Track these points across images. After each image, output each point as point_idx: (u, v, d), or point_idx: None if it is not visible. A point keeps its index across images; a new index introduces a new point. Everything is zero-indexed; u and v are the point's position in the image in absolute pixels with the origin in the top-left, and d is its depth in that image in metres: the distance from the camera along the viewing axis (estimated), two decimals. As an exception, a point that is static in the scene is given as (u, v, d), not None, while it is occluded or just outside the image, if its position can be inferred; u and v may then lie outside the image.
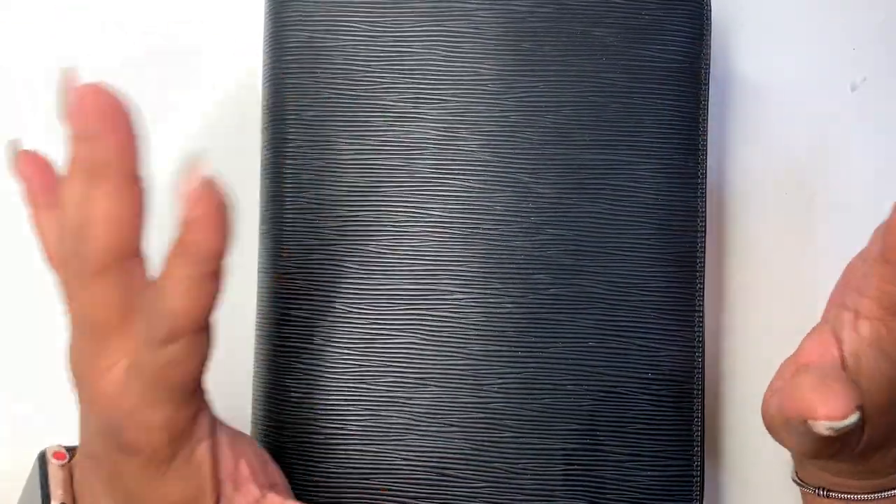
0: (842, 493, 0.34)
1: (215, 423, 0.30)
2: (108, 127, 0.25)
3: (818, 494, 0.35)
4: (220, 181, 0.26)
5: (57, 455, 0.31)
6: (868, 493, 0.34)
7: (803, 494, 0.37)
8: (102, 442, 0.28)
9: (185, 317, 0.26)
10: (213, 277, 0.26)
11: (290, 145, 0.37)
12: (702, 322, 0.36)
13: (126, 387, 0.27)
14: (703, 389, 0.36)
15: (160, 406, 0.27)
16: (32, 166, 0.29)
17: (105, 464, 0.29)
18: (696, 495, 0.36)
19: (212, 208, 0.25)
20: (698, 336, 0.36)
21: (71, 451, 0.32)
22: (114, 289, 0.26)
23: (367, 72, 0.36)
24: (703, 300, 0.37)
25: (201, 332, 0.27)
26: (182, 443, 0.28)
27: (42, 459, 0.31)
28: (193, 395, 0.28)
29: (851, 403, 0.27)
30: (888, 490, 0.33)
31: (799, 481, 0.37)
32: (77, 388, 0.29)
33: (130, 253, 0.27)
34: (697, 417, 0.36)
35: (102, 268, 0.26)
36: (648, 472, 0.35)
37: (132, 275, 0.27)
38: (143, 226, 0.28)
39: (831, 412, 0.27)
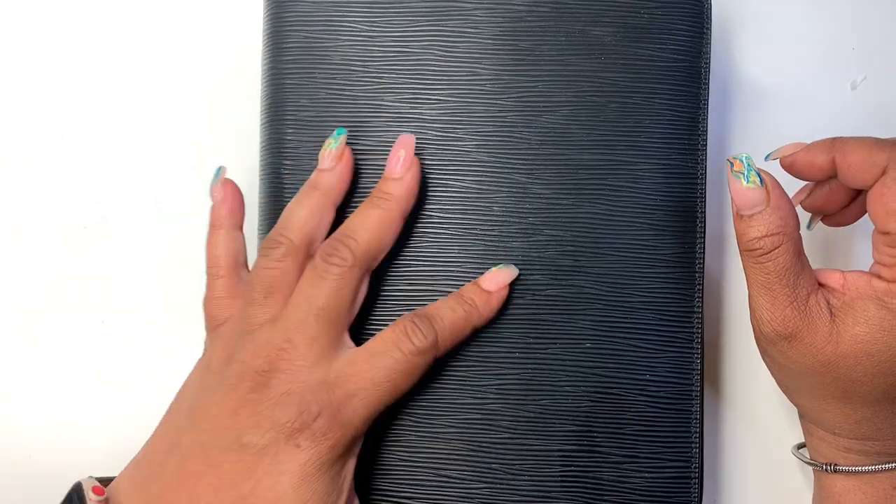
0: (849, 466, 0.35)
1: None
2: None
3: (826, 470, 0.36)
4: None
5: (96, 490, 0.31)
6: (873, 465, 0.35)
7: (814, 472, 0.37)
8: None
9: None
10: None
11: (289, 145, 0.37)
12: (701, 323, 0.36)
13: (289, 311, 0.33)
14: (701, 391, 0.36)
15: (314, 329, 0.32)
16: (230, 193, 0.36)
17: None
18: (695, 497, 0.36)
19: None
20: (697, 337, 0.36)
21: (104, 482, 0.32)
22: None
23: (365, 72, 0.36)
24: (702, 300, 0.36)
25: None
26: (322, 362, 0.32)
27: (79, 494, 0.31)
28: (343, 330, 0.33)
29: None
30: (893, 462, 0.35)
31: (808, 459, 0.37)
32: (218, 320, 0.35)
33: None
34: (696, 419, 0.36)
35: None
36: (646, 474, 0.35)
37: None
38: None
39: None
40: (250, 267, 0.36)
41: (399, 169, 0.34)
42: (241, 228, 0.36)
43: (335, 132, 0.35)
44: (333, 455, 0.30)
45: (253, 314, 0.33)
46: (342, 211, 0.35)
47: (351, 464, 0.32)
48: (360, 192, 0.36)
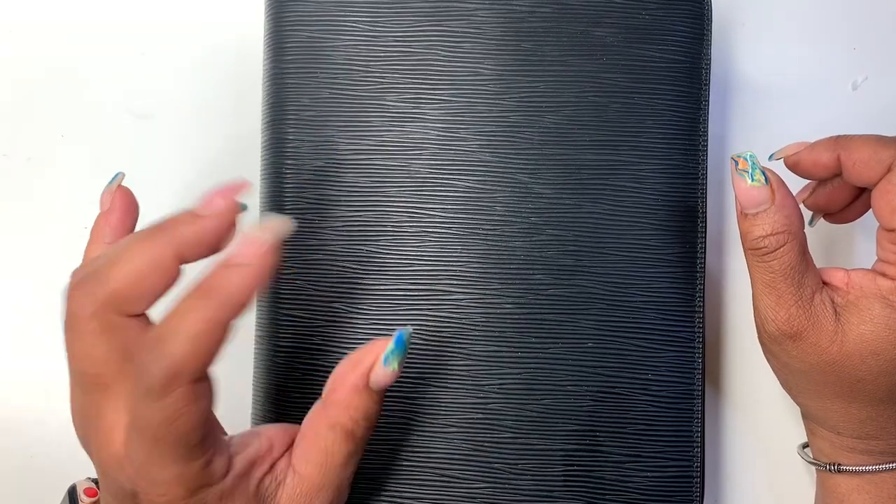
0: (853, 466, 0.35)
1: (230, 462, 0.28)
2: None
3: (830, 470, 0.36)
4: (277, 229, 0.26)
5: (88, 492, 0.30)
6: (877, 465, 0.35)
7: (817, 472, 0.37)
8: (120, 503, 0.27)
9: (184, 364, 0.25)
10: (226, 327, 0.25)
11: (290, 145, 0.36)
12: (702, 322, 0.36)
13: (129, 447, 0.26)
14: (703, 390, 0.36)
15: (168, 463, 0.25)
16: (121, 203, 0.31)
17: None
18: (696, 496, 0.36)
19: (261, 258, 0.25)
20: (698, 336, 0.36)
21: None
22: (106, 341, 0.26)
23: (367, 72, 0.36)
24: (703, 300, 0.37)
25: (200, 382, 0.25)
26: (199, 491, 0.26)
27: (73, 495, 0.31)
28: (202, 444, 0.26)
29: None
30: (895, 462, 0.35)
31: (811, 459, 0.37)
32: (86, 450, 0.28)
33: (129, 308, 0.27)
34: (697, 418, 0.36)
35: (94, 318, 0.26)
36: (648, 473, 0.35)
37: (127, 327, 0.26)
38: (156, 288, 0.27)
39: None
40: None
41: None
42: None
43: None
44: None
45: None
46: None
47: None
48: (360, 192, 0.36)
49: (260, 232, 0.26)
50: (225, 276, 0.25)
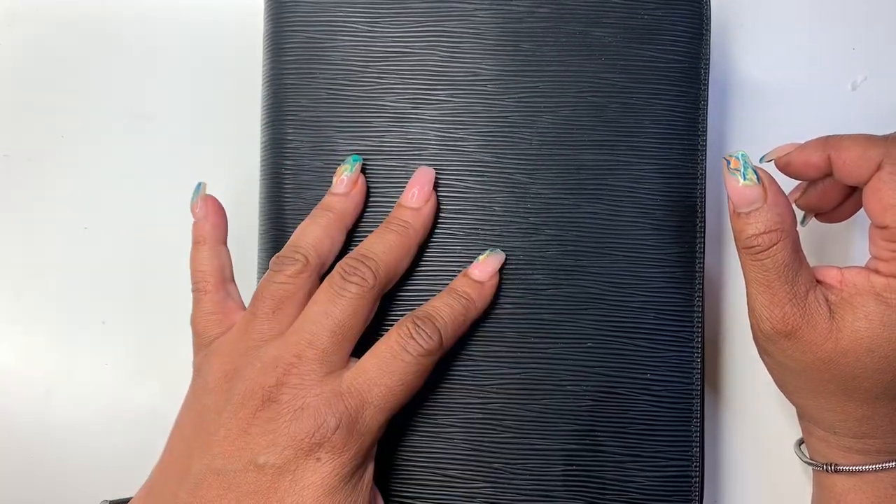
0: (850, 466, 0.35)
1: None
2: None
3: (826, 470, 0.36)
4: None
5: None
6: (874, 464, 0.35)
7: (814, 472, 0.37)
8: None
9: (445, 341, 0.33)
10: (468, 325, 0.35)
11: (290, 146, 0.37)
12: (700, 322, 0.36)
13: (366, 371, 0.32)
14: (702, 390, 0.36)
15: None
16: (212, 208, 0.36)
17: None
18: (696, 495, 0.36)
19: (495, 278, 0.35)
20: (697, 336, 0.36)
21: None
22: (370, 311, 0.34)
23: (366, 72, 0.36)
24: (701, 300, 0.37)
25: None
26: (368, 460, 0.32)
27: None
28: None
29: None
30: (893, 460, 0.35)
31: (808, 459, 0.37)
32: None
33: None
34: (696, 418, 0.36)
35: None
36: (648, 473, 0.35)
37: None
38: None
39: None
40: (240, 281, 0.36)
41: (416, 200, 0.34)
42: (224, 243, 0.36)
43: (351, 158, 0.35)
44: (354, 464, 0.30)
45: (258, 329, 0.32)
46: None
47: (370, 468, 0.32)
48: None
49: (491, 257, 0.35)
50: (471, 287, 0.34)
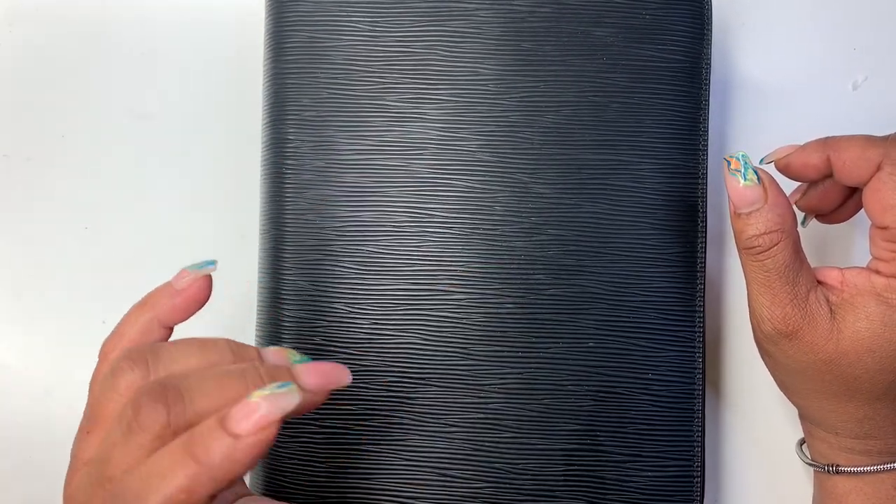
0: (851, 467, 0.35)
1: None
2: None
3: (828, 471, 0.36)
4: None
5: None
6: (875, 465, 0.35)
7: (815, 473, 0.37)
8: None
9: None
10: (207, 494, 0.24)
11: (290, 145, 0.36)
12: (702, 322, 0.36)
13: None
14: (703, 389, 0.36)
15: None
16: (193, 293, 0.30)
17: None
18: (697, 495, 0.36)
19: (262, 431, 0.24)
20: (698, 336, 0.36)
21: None
22: (145, 454, 0.25)
23: (368, 72, 0.36)
24: (703, 300, 0.37)
25: None
26: None
27: None
28: None
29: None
30: (894, 461, 0.35)
31: (809, 460, 0.37)
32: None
33: None
34: (697, 418, 0.36)
35: None
36: (648, 473, 0.35)
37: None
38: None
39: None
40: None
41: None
42: (169, 330, 0.31)
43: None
44: None
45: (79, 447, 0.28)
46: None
47: None
48: (360, 192, 0.36)
49: (270, 400, 0.24)
50: (217, 441, 0.24)
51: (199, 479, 0.24)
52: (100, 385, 0.28)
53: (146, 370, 0.27)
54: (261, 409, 0.24)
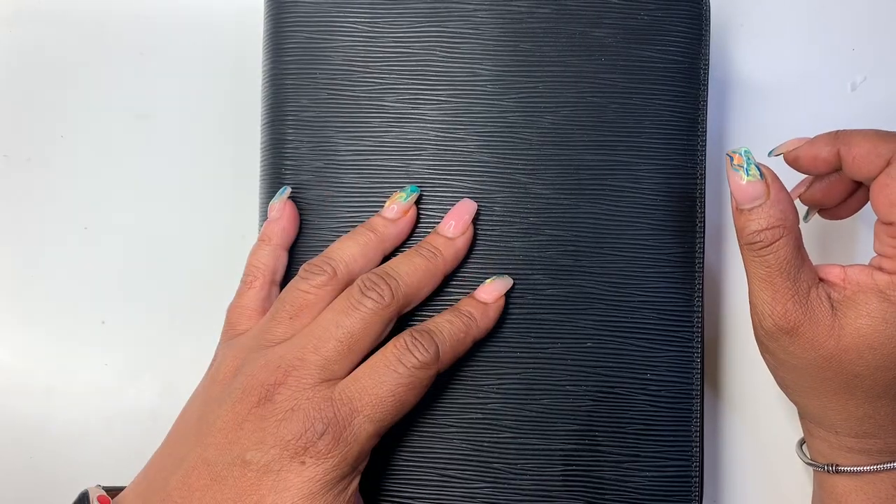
0: (851, 467, 0.35)
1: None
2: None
3: (827, 471, 0.36)
4: None
5: (101, 499, 0.31)
6: (875, 465, 0.35)
7: (815, 473, 0.37)
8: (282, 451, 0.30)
9: (443, 358, 0.33)
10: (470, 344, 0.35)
11: (290, 146, 0.37)
12: (700, 322, 0.36)
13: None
14: (701, 390, 0.36)
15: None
16: (288, 213, 0.36)
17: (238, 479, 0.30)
18: (695, 495, 0.36)
19: (500, 301, 0.35)
20: (697, 336, 0.36)
21: (111, 492, 0.32)
22: (383, 326, 0.33)
23: (366, 72, 0.36)
24: (702, 300, 0.37)
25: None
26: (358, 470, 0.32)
27: (84, 502, 0.31)
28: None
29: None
30: (894, 461, 0.35)
31: (809, 460, 0.37)
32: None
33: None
34: (696, 418, 0.36)
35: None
36: (647, 473, 0.35)
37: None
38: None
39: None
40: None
41: (453, 230, 0.35)
42: (287, 249, 0.36)
43: (409, 188, 0.35)
44: (338, 473, 0.30)
45: (273, 331, 0.33)
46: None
47: (355, 482, 0.32)
48: (359, 193, 0.36)
49: (501, 283, 0.35)
50: (484, 309, 0.34)
51: (469, 326, 0.34)
52: (289, 290, 0.34)
53: (331, 269, 0.33)
54: (495, 287, 0.35)
